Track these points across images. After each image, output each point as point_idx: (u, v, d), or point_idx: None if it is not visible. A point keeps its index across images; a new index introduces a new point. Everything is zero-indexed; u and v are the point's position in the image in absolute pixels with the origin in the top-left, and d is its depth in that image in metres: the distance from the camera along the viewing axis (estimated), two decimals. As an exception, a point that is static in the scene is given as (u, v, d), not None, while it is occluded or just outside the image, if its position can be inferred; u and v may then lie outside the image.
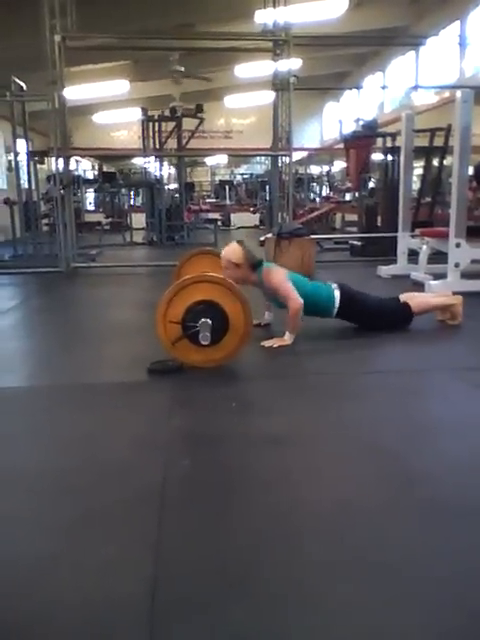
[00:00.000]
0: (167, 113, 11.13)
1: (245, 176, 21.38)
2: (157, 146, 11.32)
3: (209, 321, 3.01)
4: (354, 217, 10.56)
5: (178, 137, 11.26)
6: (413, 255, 6.19)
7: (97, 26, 7.80)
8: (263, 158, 19.57)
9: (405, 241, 6.46)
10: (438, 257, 5.56)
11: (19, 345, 4.06)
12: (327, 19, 11.33)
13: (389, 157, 8.49)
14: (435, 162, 8.99)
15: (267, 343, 3.53)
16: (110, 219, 14.25)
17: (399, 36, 14.46)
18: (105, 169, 16.79)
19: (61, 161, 7.06)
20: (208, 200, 18.60)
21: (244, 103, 17.82)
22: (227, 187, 18.81)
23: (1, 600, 1.38)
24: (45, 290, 6.34)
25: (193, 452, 2.20)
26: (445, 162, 8.71)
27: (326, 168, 17.49)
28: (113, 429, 2.42)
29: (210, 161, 20.44)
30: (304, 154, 15.11)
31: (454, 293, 4.16)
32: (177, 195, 12.50)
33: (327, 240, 9.61)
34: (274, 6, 7.25)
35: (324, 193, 17.04)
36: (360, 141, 9.08)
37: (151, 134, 11.31)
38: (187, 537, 1.61)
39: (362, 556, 1.51)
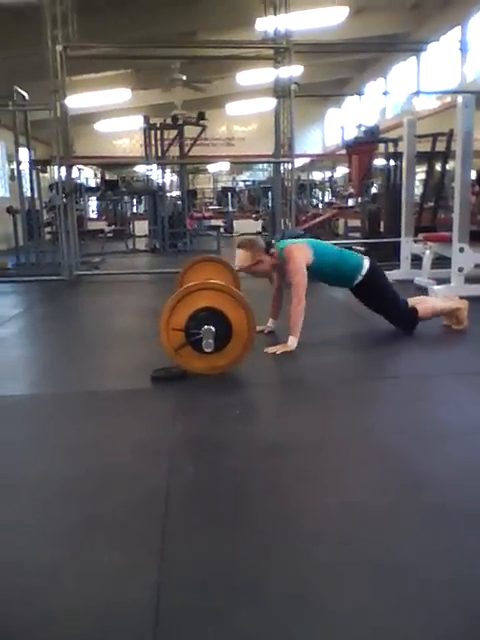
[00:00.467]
0: (169, 121, 11.17)
1: (247, 183, 21.42)
2: (159, 154, 11.35)
3: (212, 328, 3.01)
4: (357, 223, 10.56)
5: (180, 145, 11.29)
6: (416, 260, 6.18)
7: (98, 35, 7.83)
8: (265, 165, 19.62)
9: (408, 246, 6.45)
10: (441, 262, 5.56)
11: (22, 353, 4.06)
12: (328, 26, 11.37)
13: (391, 162, 8.49)
14: (437, 167, 8.99)
15: (271, 349, 3.52)
16: (113, 227, 14.29)
17: (400, 42, 14.50)
18: (107, 177, 16.85)
19: (63, 170, 7.08)
20: (210, 207, 18.64)
21: (246, 110, 17.88)
22: (229, 194, 18.85)
23: (4, 607, 1.37)
24: (48, 298, 6.35)
25: (197, 459, 2.20)
26: (447, 167, 8.71)
27: (328, 174, 17.53)
28: (117, 436, 2.41)
29: (212, 168, 20.49)
30: (306, 160, 15.15)
31: (460, 297, 4.15)
32: (179, 202, 12.54)
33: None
34: (275, 14, 7.28)
35: (326, 199, 17.07)
36: (362, 147, 9.08)
37: (153, 142, 11.35)
38: (191, 544, 1.60)
39: (368, 560, 1.51)
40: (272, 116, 8.17)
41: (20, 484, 1.98)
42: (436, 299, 4.20)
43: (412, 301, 4.00)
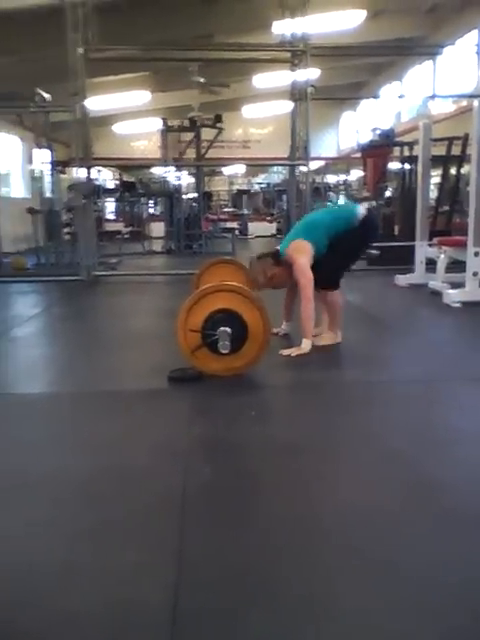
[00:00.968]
0: (186, 123, 11.25)
1: (262, 185, 21.45)
2: (176, 156, 11.44)
3: (228, 329, 3.06)
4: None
5: (197, 147, 11.37)
6: (431, 264, 6.19)
7: (118, 38, 7.91)
8: (281, 167, 19.64)
9: (423, 250, 6.46)
10: (456, 266, 5.56)
11: (41, 352, 4.14)
12: (345, 29, 11.40)
13: (406, 166, 8.50)
14: (453, 171, 8.98)
15: (285, 352, 3.56)
16: (130, 228, 14.40)
17: (416, 45, 14.46)
18: (125, 178, 16.97)
19: (83, 171, 7.17)
20: (226, 209, 18.69)
21: (262, 113, 17.94)
22: (245, 196, 18.90)
23: (20, 607, 1.40)
24: (66, 298, 6.44)
25: (213, 459, 2.24)
26: (462, 171, 8.69)
27: (343, 177, 17.51)
28: (134, 436, 2.46)
29: (228, 170, 20.55)
30: (321, 163, 15.15)
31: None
32: (195, 204, 12.62)
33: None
34: (292, 17, 7.32)
35: (341, 202, 17.06)
36: (377, 150, 9.10)
37: (171, 144, 11.44)
38: (208, 544, 1.64)
39: (380, 563, 1.54)
40: (288, 119, 8.20)
41: (38, 482, 2.03)
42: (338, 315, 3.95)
43: (333, 295, 3.88)
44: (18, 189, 13.90)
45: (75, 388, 3.18)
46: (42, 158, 9.32)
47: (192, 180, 14.35)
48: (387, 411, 2.74)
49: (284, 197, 15.14)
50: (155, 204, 16.59)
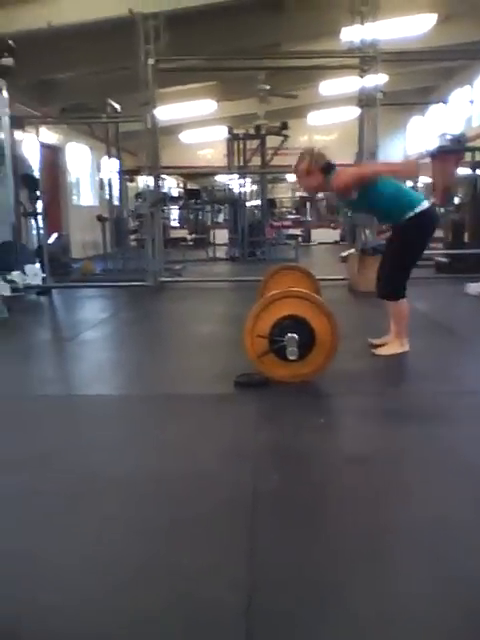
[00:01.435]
0: (252, 131, 11.32)
1: (326, 192, 21.29)
2: (241, 164, 11.52)
3: (296, 336, 3.05)
4: (439, 233, 10.31)
5: (262, 154, 11.41)
6: (503, 272, 5.98)
7: (187, 49, 8.06)
8: (345, 174, 19.42)
9: (495, 258, 6.25)
10: None
11: (110, 355, 4.25)
12: (415, 35, 11.21)
13: (477, 172, 8.26)
14: (527, 176, 8.67)
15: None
16: (194, 235, 14.56)
17: (489, 49, 14.05)
18: (189, 186, 17.21)
19: (151, 179, 7.32)
20: (289, 216, 18.66)
21: (327, 120, 17.84)
22: (308, 203, 18.81)
23: (96, 602, 1.43)
24: (133, 303, 6.58)
25: (282, 466, 2.23)
26: None
27: (409, 183, 17.19)
28: (202, 439, 2.49)
29: (291, 177, 20.54)
30: (388, 169, 14.91)
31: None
32: (258, 211, 12.65)
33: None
34: (362, 23, 7.26)
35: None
36: (447, 156, 8.88)
37: (236, 152, 11.54)
38: (279, 549, 1.64)
39: (456, 575, 1.49)
40: (354, 125, 8.12)
41: (112, 482, 2.07)
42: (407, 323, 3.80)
43: (400, 304, 3.71)
44: (87, 197, 14.33)
45: (144, 391, 3.25)
46: (111, 167, 9.59)
47: (255, 187, 14.42)
48: (458, 423, 2.66)
49: (349, 204, 15.00)
50: (219, 211, 16.75)
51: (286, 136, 11.44)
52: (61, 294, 7.01)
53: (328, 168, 3.58)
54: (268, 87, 11.66)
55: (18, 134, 7.57)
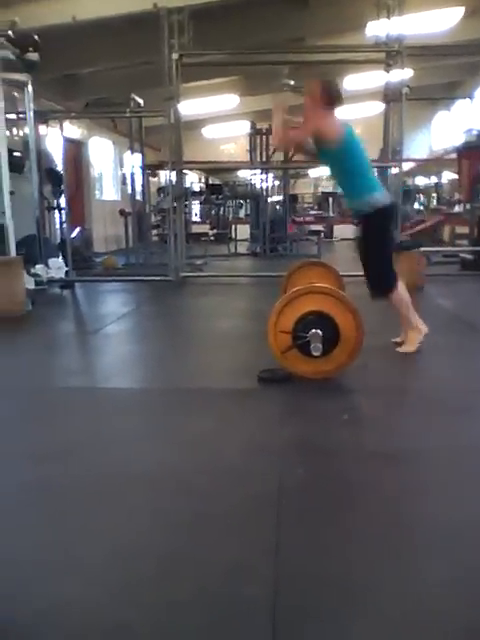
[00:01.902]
0: (275, 126, 11.26)
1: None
2: (264, 159, 11.47)
3: (320, 332, 3.02)
4: (465, 230, 10.18)
5: (285, 149, 11.35)
6: None
7: (211, 43, 8.02)
8: (368, 170, 19.25)
9: (522, 255, 6.16)
10: None
11: (133, 349, 4.26)
12: (441, 29, 11.05)
13: (505, 168, 8.14)
14: None
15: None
16: (215, 230, 14.54)
17: (517, 43, 13.81)
18: (211, 181, 17.21)
19: (174, 174, 7.32)
20: (311, 212, 18.57)
21: (351, 115, 17.72)
22: (330, 199, 18.70)
23: (120, 595, 1.43)
24: (155, 298, 6.59)
25: (307, 462, 2.21)
26: None
27: (434, 179, 16.99)
28: (226, 434, 2.48)
29: (313, 173, 20.42)
30: (411, 165, 14.77)
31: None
32: (280, 207, 12.59)
33: (435, 253, 9.32)
34: (388, 17, 7.17)
35: (431, 205, 16.55)
36: (474, 151, 8.76)
37: (258, 147, 11.49)
38: (305, 545, 1.62)
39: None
40: (377, 120, 8.04)
41: (134, 476, 2.07)
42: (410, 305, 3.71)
43: (399, 293, 3.61)
44: (109, 192, 14.39)
45: (166, 385, 3.25)
46: (133, 162, 9.61)
47: (277, 183, 14.36)
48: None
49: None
50: (240, 207, 16.72)
51: (309, 131, 11.35)
52: (84, 288, 7.05)
53: (334, 102, 3.54)
54: (292, 82, 11.59)
55: (42, 129, 7.62)
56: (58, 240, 8.09)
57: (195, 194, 15.56)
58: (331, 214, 17.63)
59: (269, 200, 12.65)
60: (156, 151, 11.92)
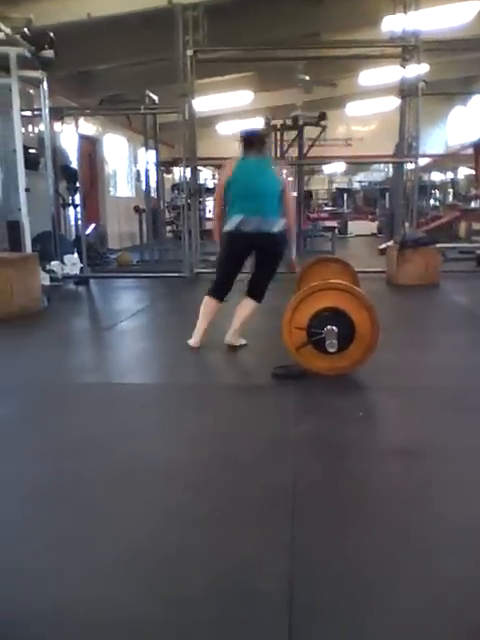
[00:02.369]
0: (289, 122, 11.22)
1: (363, 184, 21.04)
2: (278, 155, 11.44)
3: (335, 328, 3.01)
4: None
5: (299, 146, 11.31)
6: None
7: (225, 40, 8.00)
8: (382, 165, 19.16)
9: None
10: None
11: (147, 345, 4.27)
12: (458, 24, 10.93)
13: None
14: None
15: None
16: (228, 227, 14.49)
17: None
18: (225, 178, 17.17)
19: (188, 171, 7.32)
20: (325, 208, 18.50)
21: (366, 110, 17.57)
22: (345, 195, 18.62)
23: (131, 589, 1.43)
24: (170, 294, 6.60)
25: (321, 458, 2.21)
26: None
27: (450, 175, 16.86)
28: (240, 429, 2.48)
29: (328, 169, 20.33)
30: (427, 160, 14.65)
31: None
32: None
33: (451, 249, 9.25)
34: (405, 12, 7.12)
35: (447, 201, 16.43)
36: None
37: (273, 143, 11.45)
38: (320, 541, 1.62)
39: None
40: (393, 115, 7.98)
41: (150, 471, 2.08)
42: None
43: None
44: (124, 188, 14.42)
45: (181, 380, 3.25)
46: (148, 158, 9.62)
47: (291, 179, 14.31)
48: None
49: (386, 195, 14.80)
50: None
51: (324, 127, 11.30)
52: (98, 284, 7.08)
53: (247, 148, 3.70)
54: (307, 77, 11.54)
55: (57, 126, 7.65)
56: (73, 237, 8.13)
57: (209, 191, 15.53)
58: (346, 210, 17.55)
59: (283, 196, 12.61)
60: (170, 148, 11.92)
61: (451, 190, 16.51)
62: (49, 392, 3.05)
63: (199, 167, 9.57)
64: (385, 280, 6.68)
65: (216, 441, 2.35)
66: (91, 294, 6.60)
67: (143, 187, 9.45)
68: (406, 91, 7.45)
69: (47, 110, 6.40)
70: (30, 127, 7.43)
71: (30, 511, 1.82)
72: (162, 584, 1.45)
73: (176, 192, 12.41)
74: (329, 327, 3.01)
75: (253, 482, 1.96)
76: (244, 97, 14.14)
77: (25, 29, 5.63)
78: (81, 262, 7.09)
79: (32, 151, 6.71)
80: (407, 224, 7.66)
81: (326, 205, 19.68)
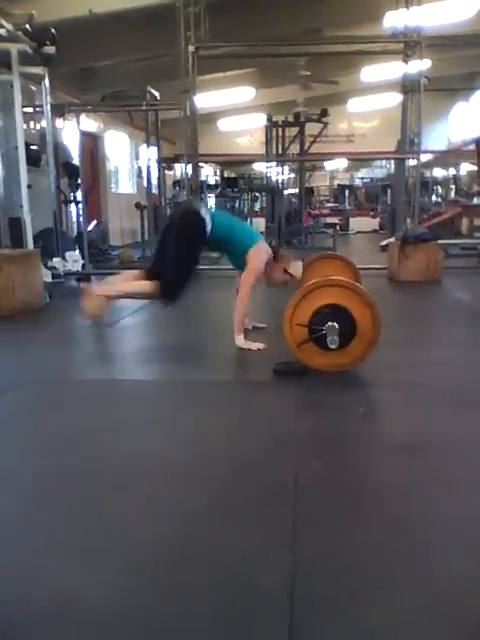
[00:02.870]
0: (291, 118, 11.21)
1: (365, 180, 21.04)
2: (280, 151, 11.43)
3: (336, 325, 3.01)
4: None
5: (300, 142, 11.30)
6: None
7: (227, 35, 7.99)
8: (384, 162, 19.15)
9: None
10: None
11: (149, 341, 4.28)
12: (460, 19, 10.90)
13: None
14: None
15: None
16: (230, 223, 14.48)
17: None
18: (227, 174, 17.18)
19: (190, 167, 7.31)
20: (327, 205, 18.49)
21: (368, 106, 17.54)
22: (346, 191, 18.61)
23: (132, 582, 1.44)
24: (171, 290, 6.58)
25: (322, 454, 2.21)
26: None
27: (451, 171, 16.83)
28: (241, 426, 2.49)
29: (329, 165, 20.32)
30: (429, 157, 14.65)
31: None
32: (296, 200, 12.54)
33: (453, 246, 9.25)
34: (407, 7, 7.09)
35: (448, 197, 16.41)
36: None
37: (274, 139, 11.45)
38: (321, 537, 1.63)
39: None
40: (395, 112, 7.97)
41: (151, 466, 2.09)
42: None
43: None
44: (125, 185, 14.42)
45: (182, 377, 3.25)
46: (149, 155, 9.62)
47: (293, 175, 14.32)
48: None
49: (388, 192, 14.79)
50: (256, 200, 16.69)
51: (326, 123, 11.29)
52: (100, 280, 7.07)
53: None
54: (309, 73, 11.52)
55: (59, 122, 7.65)
56: (75, 233, 8.13)
57: (211, 187, 15.52)
58: (347, 207, 17.54)
59: (285, 193, 12.62)
60: (172, 144, 11.92)
61: (453, 186, 16.48)
62: (51, 388, 3.06)
63: (200, 164, 9.58)
64: (387, 276, 6.68)
65: (217, 437, 2.35)
66: (93, 290, 6.59)
67: (145, 184, 9.44)
68: (408, 87, 7.43)
69: (49, 106, 6.39)
70: (32, 124, 7.44)
71: (29, 506, 1.83)
72: (162, 578, 1.45)
73: (177, 189, 12.41)
74: (330, 323, 3.01)
75: (254, 478, 1.97)
76: (246, 93, 14.12)
77: (27, 25, 5.62)
78: (83, 258, 7.09)
79: (34, 148, 6.71)
80: (409, 220, 7.65)
81: (328, 202, 19.64)
